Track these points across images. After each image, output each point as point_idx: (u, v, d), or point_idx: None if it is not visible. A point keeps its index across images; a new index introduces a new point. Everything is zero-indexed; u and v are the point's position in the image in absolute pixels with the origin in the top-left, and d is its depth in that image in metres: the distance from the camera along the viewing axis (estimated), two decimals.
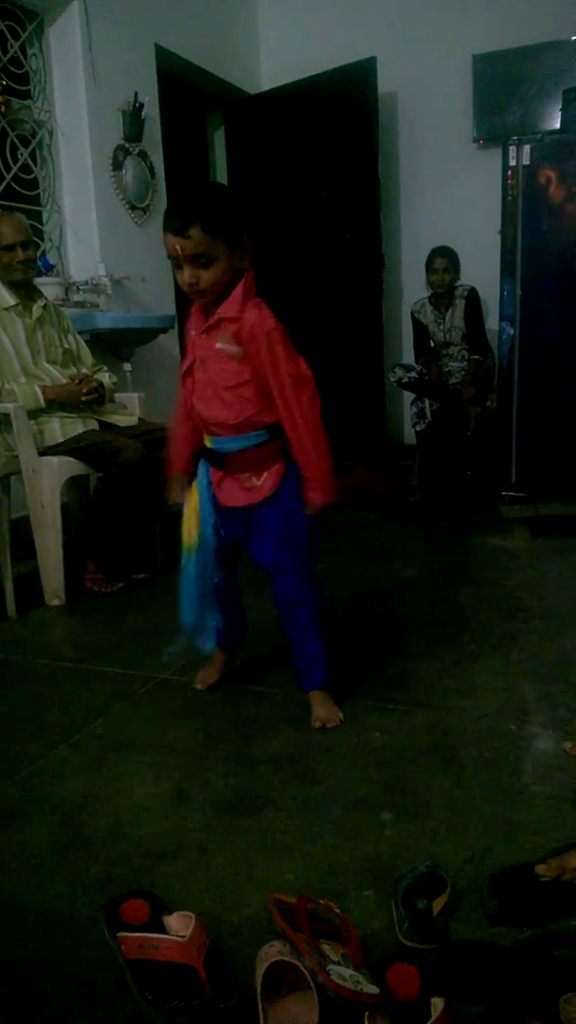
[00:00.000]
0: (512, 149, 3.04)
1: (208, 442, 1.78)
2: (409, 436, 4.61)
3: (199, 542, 1.80)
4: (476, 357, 4.15)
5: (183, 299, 4.53)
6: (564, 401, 3.17)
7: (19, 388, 2.75)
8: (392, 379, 4.27)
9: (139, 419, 3.04)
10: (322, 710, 1.84)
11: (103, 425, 2.89)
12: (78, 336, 3.15)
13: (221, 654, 2.04)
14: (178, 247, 1.59)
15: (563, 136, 3.15)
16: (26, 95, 3.72)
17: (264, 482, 1.75)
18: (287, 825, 1.48)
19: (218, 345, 1.67)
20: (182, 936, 1.13)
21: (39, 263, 3.26)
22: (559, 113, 3.51)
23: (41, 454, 2.75)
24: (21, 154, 3.67)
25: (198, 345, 1.72)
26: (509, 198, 3.08)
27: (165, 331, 3.91)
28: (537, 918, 1.20)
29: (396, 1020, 1.00)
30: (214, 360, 1.69)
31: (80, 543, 2.92)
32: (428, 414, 4.17)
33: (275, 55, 5.02)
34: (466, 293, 4.17)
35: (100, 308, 3.79)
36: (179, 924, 1.18)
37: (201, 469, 1.81)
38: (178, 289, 4.38)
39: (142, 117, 3.99)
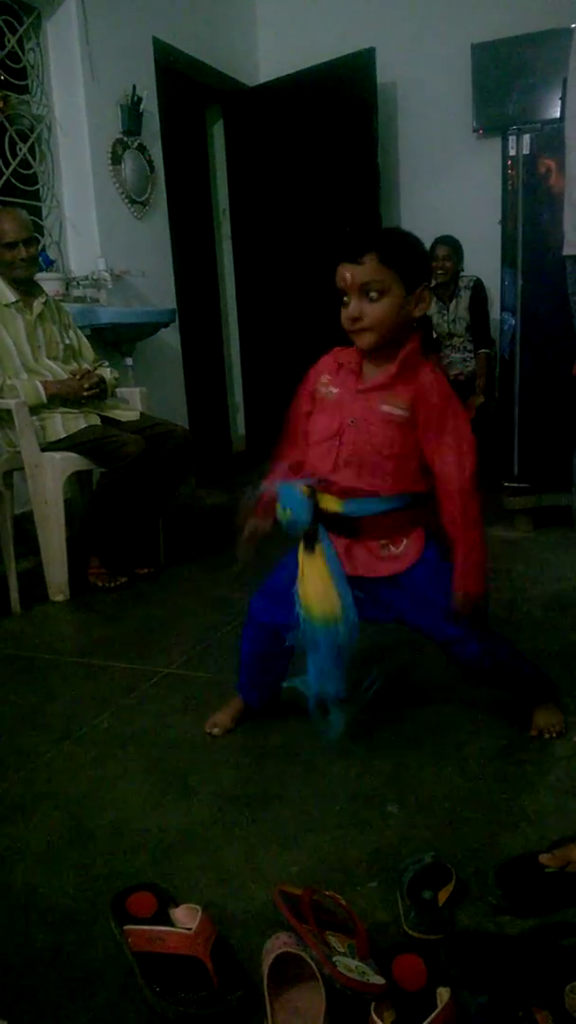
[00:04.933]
0: (512, 139, 3.02)
1: (335, 505, 1.55)
2: None
3: (343, 613, 1.52)
4: (485, 351, 4.15)
5: (184, 293, 4.56)
6: (566, 391, 3.16)
7: (20, 384, 2.75)
8: None
9: (141, 413, 3.04)
10: (541, 718, 1.73)
11: (105, 420, 2.89)
12: (79, 331, 3.15)
13: (242, 705, 1.84)
14: (348, 275, 1.46)
15: (563, 125, 3.13)
16: (24, 90, 3.71)
17: (406, 549, 1.57)
18: (292, 817, 1.48)
19: (383, 408, 1.51)
20: (189, 929, 1.13)
21: (39, 259, 3.26)
22: (559, 102, 3.49)
23: (43, 450, 2.75)
24: (20, 149, 3.66)
25: (350, 405, 1.54)
26: (509, 188, 3.07)
27: (166, 325, 3.91)
28: (542, 908, 1.21)
29: (402, 1010, 1.01)
30: (376, 424, 1.51)
31: (83, 538, 2.92)
32: None
33: (273, 47, 5.00)
34: (472, 284, 4.17)
35: (100, 303, 3.79)
36: (186, 917, 1.19)
37: (324, 535, 1.55)
38: (179, 282, 4.44)
39: (140, 111, 3.98)
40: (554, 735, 1.70)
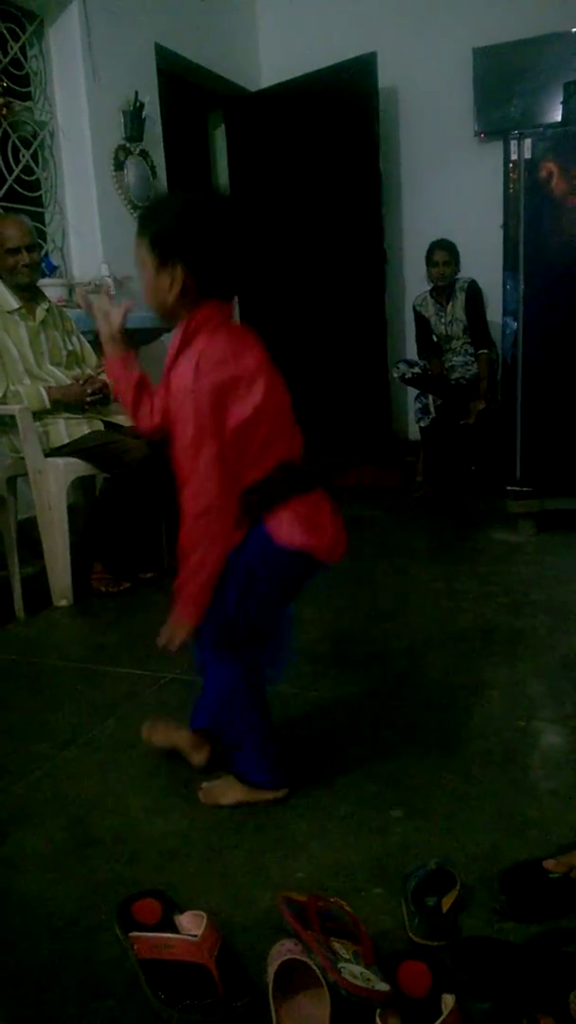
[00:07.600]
0: (514, 143, 3.03)
1: None
2: (413, 432, 4.62)
3: None
4: (485, 352, 4.14)
5: None
6: (568, 395, 3.17)
7: (24, 390, 2.76)
8: (395, 375, 4.28)
9: None
10: (218, 789, 1.56)
11: (108, 425, 2.90)
12: (82, 337, 3.15)
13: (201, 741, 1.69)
14: None
15: (565, 129, 3.15)
16: (27, 97, 3.72)
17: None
18: (297, 824, 1.49)
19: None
20: (194, 935, 1.13)
21: (42, 265, 3.27)
22: (560, 106, 3.50)
23: (47, 455, 2.75)
24: (23, 156, 3.67)
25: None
26: (511, 192, 3.08)
27: (169, 330, 3.90)
28: (546, 914, 1.21)
29: (407, 1017, 1.01)
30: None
31: (87, 543, 2.93)
32: (432, 409, 4.18)
33: (275, 52, 5.00)
34: (466, 285, 4.18)
35: None
36: (191, 923, 1.19)
37: None
38: None
39: (143, 117, 3.99)
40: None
